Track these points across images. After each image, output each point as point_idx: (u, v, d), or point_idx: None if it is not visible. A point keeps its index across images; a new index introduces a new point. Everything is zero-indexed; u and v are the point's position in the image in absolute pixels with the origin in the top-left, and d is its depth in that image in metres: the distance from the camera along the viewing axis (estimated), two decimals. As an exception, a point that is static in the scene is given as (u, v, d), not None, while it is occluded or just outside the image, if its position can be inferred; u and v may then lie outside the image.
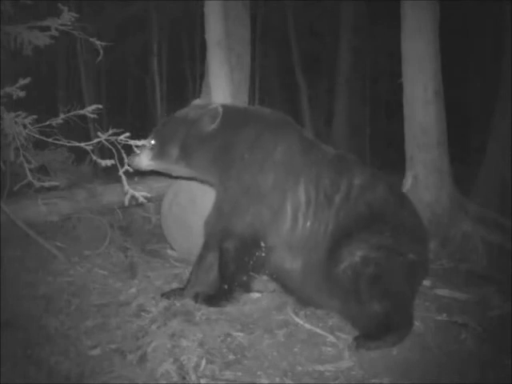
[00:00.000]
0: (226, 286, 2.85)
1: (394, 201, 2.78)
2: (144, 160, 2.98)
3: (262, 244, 2.79)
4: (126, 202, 2.84)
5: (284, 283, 2.95)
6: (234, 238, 2.81)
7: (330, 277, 2.62)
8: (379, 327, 2.50)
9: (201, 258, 3.01)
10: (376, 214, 2.66)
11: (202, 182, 3.26)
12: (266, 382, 2.18)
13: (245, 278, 2.84)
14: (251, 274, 2.85)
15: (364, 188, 2.73)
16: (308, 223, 2.74)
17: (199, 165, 2.97)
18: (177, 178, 3.41)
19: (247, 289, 2.92)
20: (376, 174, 2.87)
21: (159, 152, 2.97)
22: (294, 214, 2.76)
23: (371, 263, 2.53)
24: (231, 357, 2.34)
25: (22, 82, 2.75)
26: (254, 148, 2.85)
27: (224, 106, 2.96)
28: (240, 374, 2.22)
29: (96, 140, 2.75)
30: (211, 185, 3.10)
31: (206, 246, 3.00)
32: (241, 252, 2.80)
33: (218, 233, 2.89)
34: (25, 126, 2.77)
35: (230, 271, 2.84)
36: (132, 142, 2.74)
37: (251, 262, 2.80)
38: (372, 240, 2.58)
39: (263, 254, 2.80)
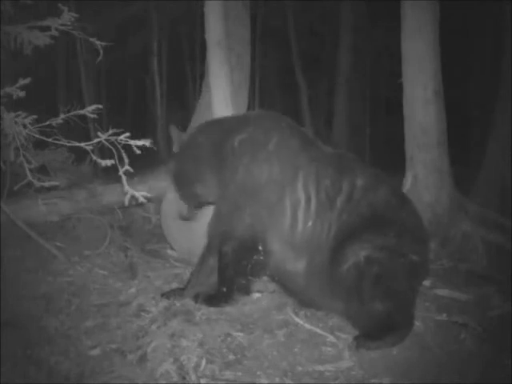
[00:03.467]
0: (224, 289, 2.85)
1: (396, 202, 2.76)
2: (191, 212, 3.17)
3: (260, 248, 2.76)
4: (126, 202, 2.84)
5: (286, 285, 2.91)
6: (234, 240, 2.80)
7: (333, 277, 2.60)
8: (380, 327, 2.49)
9: (202, 260, 3.00)
10: (379, 216, 2.64)
11: None
12: (266, 381, 2.17)
13: (244, 282, 2.84)
14: (250, 278, 2.84)
15: (366, 189, 2.70)
16: (310, 223, 2.70)
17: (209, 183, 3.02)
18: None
19: (247, 292, 2.91)
20: (377, 175, 2.84)
21: (191, 199, 3.10)
22: (294, 211, 2.72)
23: (375, 263, 2.52)
24: (231, 357, 2.34)
25: (22, 82, 2.75)
26: (247, 141, 2.83)
27: (209, 123, 3.14)
28: (240, 373, 2.21)
29: (96, 140, 2.75)
30: None
31: (209, 249, 2.99)
32: (239, 255, 2.79)
33: (218, 235, 2.89)
34: (25, 126, 2.77)
35: (228, 274, 2.84)
36: (132, 142, 2.74)
37: (249, 266, 2.79)
38: (375, 241, 2.56)
39: (261, 258, 2.78)
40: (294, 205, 2.72)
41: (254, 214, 2.77)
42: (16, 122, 2.75)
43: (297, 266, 2.73)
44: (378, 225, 2.62)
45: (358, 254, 2.55)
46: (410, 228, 2.68)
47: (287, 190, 2.74)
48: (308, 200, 2.71)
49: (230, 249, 2.80)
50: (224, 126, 3.01)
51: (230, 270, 2.82)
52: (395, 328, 2.51)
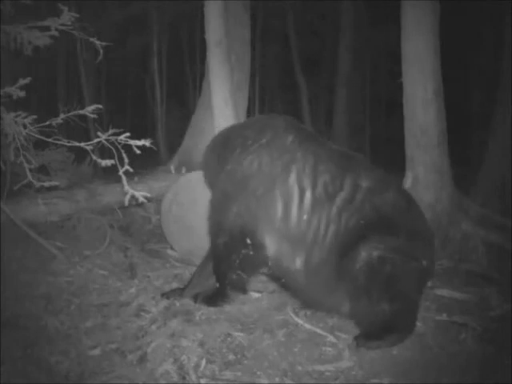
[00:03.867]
0: (218, 285, 2.84)
1: (404, 205, 2.73)
2: None
3: (249, 241, 2.74)
4: (126, 202, 2.84)
5: (286, 282, 2.87)
6: (225, 233, 2.79)
7: (341, 275, 2.57)
8: (383, 327, 2.50)
9: (205, 262, 3.00)
10: (388, 218, 2.62)
11: None
12: (266, 381, 2.18)
13: (234, 277, 2.82)
14: (240, 273, 2.82)
15: (372, 191, 2.66)
16: (305, 216, 2.65)
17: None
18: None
19: (242, 290, 2.90)
20: (384, 176, 2.79)
21: None
22: (286, 204, 2.67)
23: (388, 263, 2.51)
24: (231, 357, 2.34)
25: (22, 81, 2.76)
26: (240, 137, 2.87)
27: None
28: (240, 373, 2.22)
29: (96, 140, 2.76)
30: None
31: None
32: (230, 249, 2.78)
33: (212, 227, 2.89)
34: (25, 126, 2.78)
35: (221, 269, 2.84)
36: (132, 142, 2.75)
37: (237, 261, 2.78)
38: (389, 242, 2.55)
39: (251, 253, 2.76)
40: (286, 197, 2.68)
41: (242, 203, 2.74)
42: (16, 122, 2.75)
43: (295, 262, 2.68)
44: (389, 227, 2.59)
45: (371, 253, 2.53)
46: (418, 231, 2.67)
47: (278, 182, 2.70)
48: (302, 193, 2.67)
49: (221, 241, 2.80)
50: (225, 133, 3.07)
51: (222, 264, 2.82)
52: (398, 329, 2.52)
